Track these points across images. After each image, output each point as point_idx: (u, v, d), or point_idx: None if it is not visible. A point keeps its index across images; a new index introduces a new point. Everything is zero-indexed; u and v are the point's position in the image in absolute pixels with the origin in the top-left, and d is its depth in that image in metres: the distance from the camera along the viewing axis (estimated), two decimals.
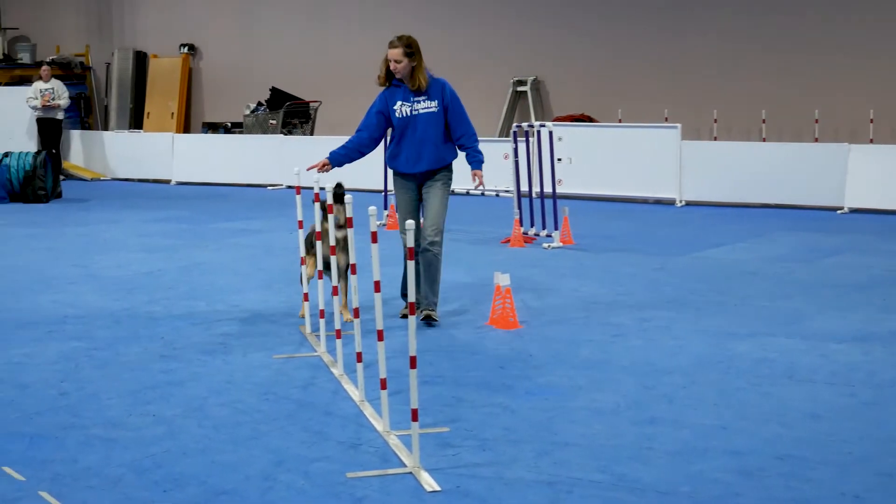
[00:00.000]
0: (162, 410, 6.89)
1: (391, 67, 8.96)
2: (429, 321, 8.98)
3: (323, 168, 8.97)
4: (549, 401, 6.99)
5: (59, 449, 6.13)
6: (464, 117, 9.09)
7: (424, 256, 8.98)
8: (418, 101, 8.99)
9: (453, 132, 9.09)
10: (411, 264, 5.77)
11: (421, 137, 8.99)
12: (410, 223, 5.72)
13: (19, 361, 8.11)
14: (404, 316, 9.08)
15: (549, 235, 13.83)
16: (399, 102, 9.01)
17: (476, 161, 9.08)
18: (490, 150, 16.95)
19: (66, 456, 6.02)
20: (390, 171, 9.49)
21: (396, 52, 8.90)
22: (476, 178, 9.07)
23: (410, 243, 5.76)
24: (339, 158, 9.09)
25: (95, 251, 13.51)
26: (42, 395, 7.26)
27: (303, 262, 8.86)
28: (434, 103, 9.00)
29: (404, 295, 9.25)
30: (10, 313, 9.79)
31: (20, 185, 19.07)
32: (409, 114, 8.99)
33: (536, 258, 12.72)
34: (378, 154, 17.00)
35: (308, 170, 8.73)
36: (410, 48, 8.93)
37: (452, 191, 9.42)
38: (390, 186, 15.15)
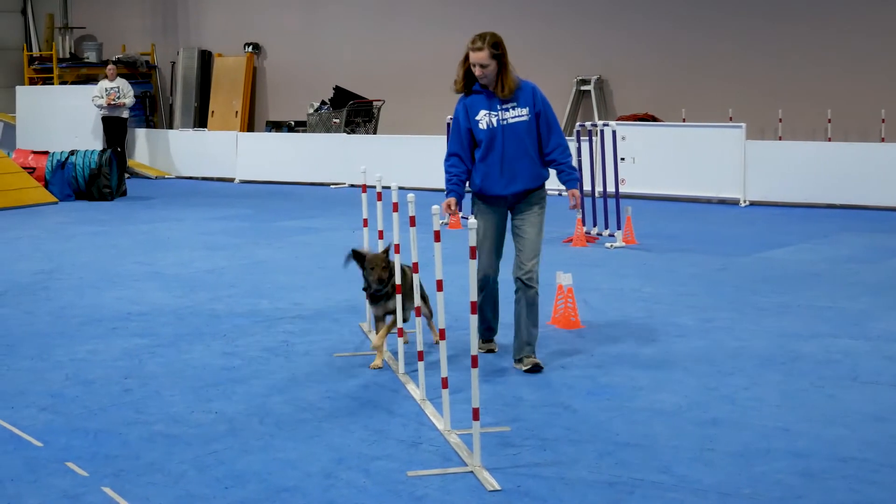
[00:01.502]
0: (224, 407, 6.94)
1: (476, 73, 7.61)
2: (536, 369, 7.65)
3: (454, 210, 7.74)
4: (611, 401, 6.95)
5: (123, 445, 6.20)
6: (556, 127, 7.76)
7: (526, 294, 7.72)
8: (506, 109, 7.66)
9: (544, 144, 7.73)
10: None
11: (513, 152, 7.67)
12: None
13: (84, 358, 8.21)
14: (490, 350, 8.17)
15: (611, 235, 13.76)
16: (483, 112, 7.67)
17: (572, 179, 7.77)
18: None
19: (129, 452, 6.08)
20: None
21: (482, 55, 7.54)
22: (573, 198, 7.80)
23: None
24: (460, 192, 7.77)
25: (159, 249, 13.64)
26: (106, 391, 7.33)
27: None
28: (525, 111, 7.66)
29: (486, 329, 8.13)
30: (75, 310, 9.91)
31: (86, 183, 19.28)
32: (496, 124, 7.65)
33: (599, 258, 12.66)
34: (436, 152, 17.04)
35: (445, 212, 7.66)
36: (497, 49, 7.58)
37: None
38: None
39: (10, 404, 6.96)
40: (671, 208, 17.70)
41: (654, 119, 21.04)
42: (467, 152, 7.77)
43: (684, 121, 20.68)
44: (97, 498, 5.39)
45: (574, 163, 8.05)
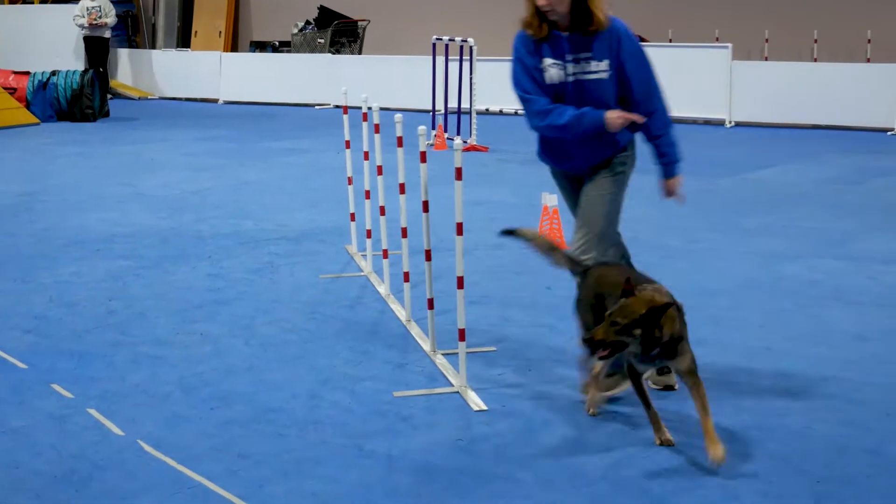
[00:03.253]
0: (209, 329, 6.93)
1: (539, 3, 5.47)
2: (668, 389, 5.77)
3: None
4: None
5: (107, 367, 6.19)
6: (652, 86, 5.66)
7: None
8: (579, 61, 5.54)
9: (635, 107, 5.65)
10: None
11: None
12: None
13: (67, 280, 8.18)
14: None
15: None
16: (549, 61, 5.58)
17: (672, 163, 5.89)
18: None
19: (114, 374, 6.08)
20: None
21: None
22: (671, 189, 5.99)
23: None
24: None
25: (143, 170, 13.56)
26: (90, 313, 7.32)
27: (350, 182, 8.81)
28: (603, 64, 5.54)
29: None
30: (58, 232, 9.86)
31: (68, 103, 19.12)
32: (565, 79, 5.59)
33: None
34: (421, 73, 16.94)
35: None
36: None
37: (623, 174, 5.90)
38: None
39: None
40: None
41: (640, 39, 20.89)
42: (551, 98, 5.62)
43: (671, 41, 20.56)
44: (83, 419, 5.40)
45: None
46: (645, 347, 4.80)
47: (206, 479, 4.69)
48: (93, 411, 5.48)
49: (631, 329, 4.74)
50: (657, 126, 5.77)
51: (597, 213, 5.67)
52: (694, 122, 18.28)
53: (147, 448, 5.03)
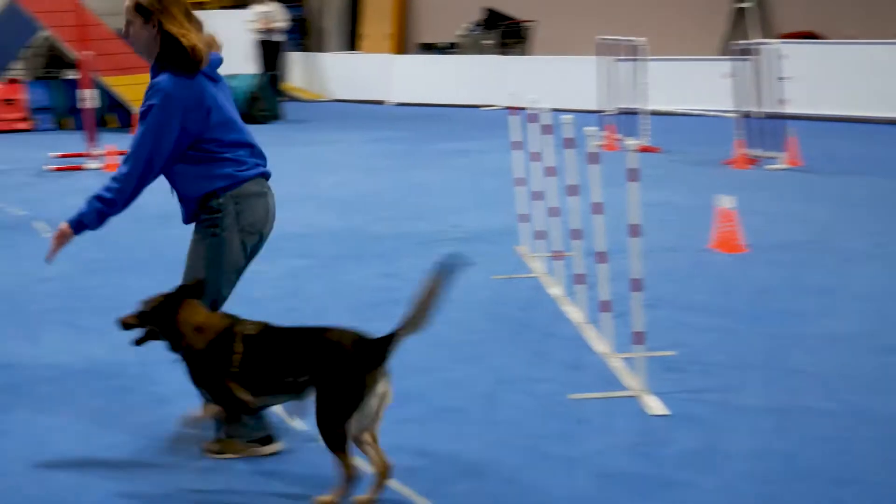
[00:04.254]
0: (384, 328, 6.97)
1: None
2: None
3: None
4: (778, 327, 6.81)
5: None
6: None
7: None
8: None
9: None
10: None
11: None
12: None
13: (248, 277, 8.28)
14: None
15: (773, 157, 13.43)
16: None
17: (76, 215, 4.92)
18: (710, 70, 16.55)
19: None
20: None
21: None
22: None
23: None
24: None
25: (317, 171, 13.78)
26: (269, 309, 7.43)
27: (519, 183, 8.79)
28: None
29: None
30: None
31: (245, 106, 19.55)
32: None
33: (761, 180, 12.38)
34: (588, 73, 16.83)
35: None
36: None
37: None
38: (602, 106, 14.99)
39: None
40: (837, 129, 17.15)
41: (815, 37, 20.40)
42: None
43: (850, 38, 19.99)
44: None
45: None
46: (168, 338, 4.70)
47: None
48: None
49: (151, 316, 4.72)
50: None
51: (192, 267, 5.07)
52: (880, 121, 17.71)
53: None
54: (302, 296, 7.76)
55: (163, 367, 6.24)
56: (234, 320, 4.76)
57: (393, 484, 4.64)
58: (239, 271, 5.03)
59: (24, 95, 19.06)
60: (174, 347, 4.71)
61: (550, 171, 7.57)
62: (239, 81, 19.72)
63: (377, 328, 6.90)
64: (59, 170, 14.05)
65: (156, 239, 9.78)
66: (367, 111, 21.88)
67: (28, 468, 4.89)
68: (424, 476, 4.74)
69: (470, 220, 10.34)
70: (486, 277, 8.19)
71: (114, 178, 4.78)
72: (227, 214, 4.83)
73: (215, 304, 4.95)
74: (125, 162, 4.77)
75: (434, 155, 15.10)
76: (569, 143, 6.72)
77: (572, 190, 6.82)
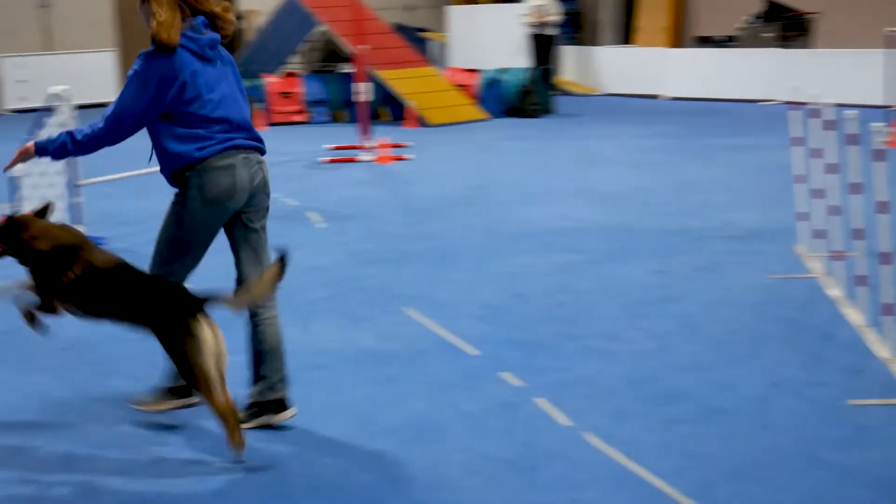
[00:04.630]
0: (655, 325, 6.87)
1: None
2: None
3: None
4: None
5: (556, 358, 6.26)
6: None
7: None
8: None
9: None
10: None
11: None
12: None
13: (517, 271, 8.36)
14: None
15: None
16: None
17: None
18: None
19: (562, 365, 6.13)
20: None
21: None
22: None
23: None
24: None
25: (587, 166, 13.70)
26: (539, 304, 7.44)
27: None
28: None
29: None
30: (507, 225, 10.11)
31: (516, 100, 19.66)
32: None
33: None
34: (876, 67, 16.10)
35: None
36: None
37: None
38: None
39: (447, 314, 7.20)
40: None
41: None
42: None
43: None
44: (531, 408, 5.48)
45: None
46: (16, 254, 5.16)
47: (653, 476, 4.64)
48: (541, 401, 5.55)
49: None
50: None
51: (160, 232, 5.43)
52: None
53: (593, 440, 5.04)
54: (571, 291, 7.70)
55: (429, 357, 6.32)
56: (84, 243, 5.20)
57: (658, 483, 4.54)
58: (206, 242, 5.36)
59: (300, 89, 19.70)
60: (22, 262, 5.16)
61: (832, 169, 7.27)
62: (511, 75, 19.84)
63: (650, 325, 6.84)
64: (332, 161, 14.46)
65: (425, 231, 9.92)
66: (640, 105, 21.62)
67: (293, 451, 5.02)
68: (691, 477, 4.62)
69: (745, 218, 10.05)
70: (761, 277, 7.94)
71: (90, 126, 5.22)
72: (191, 187, 5.19)
73: (170, 273, 5.37)
74: (102, 116, 5.19)
75: (709, 150, 14.78)
76: (852, 140, 6.43)
77: (855, 188, 6.52)
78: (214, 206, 5.24)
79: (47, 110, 9.25)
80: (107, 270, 5.12)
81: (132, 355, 6.45)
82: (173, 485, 4.71)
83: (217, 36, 5.28)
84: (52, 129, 9.23)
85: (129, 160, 14.09)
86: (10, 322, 7.11)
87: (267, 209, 5.56)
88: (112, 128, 5.18)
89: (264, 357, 5.47)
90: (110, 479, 4.80)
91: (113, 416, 5.55)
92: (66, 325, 6.65)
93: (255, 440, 5.11)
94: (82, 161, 9.68)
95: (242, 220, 5.41)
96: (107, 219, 10.49)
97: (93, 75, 22.81)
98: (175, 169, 5.22)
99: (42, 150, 5.29)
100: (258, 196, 5.43)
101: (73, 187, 9.55)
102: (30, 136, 8.92)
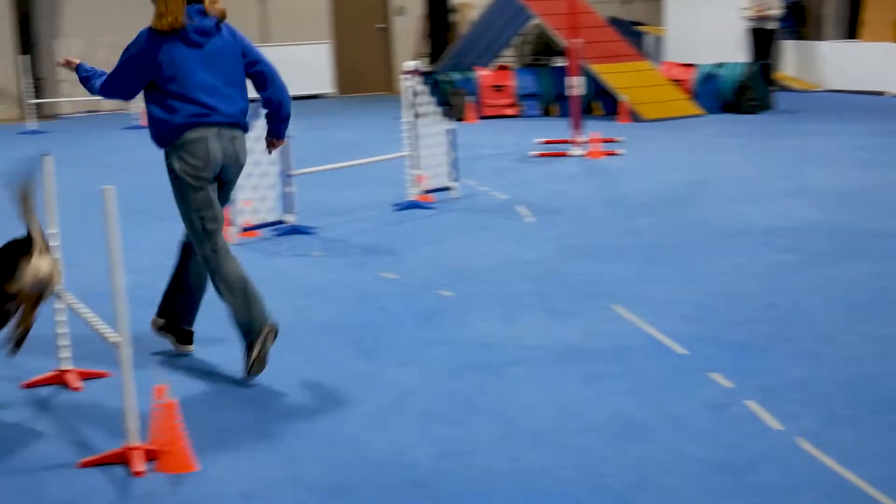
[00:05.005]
0: (874, 329, 6.57)
1: None
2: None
3: None
4: None
5: (767, 360, 6.05)
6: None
7: None
8: None
9: None
10: None
11: None
12: None
13: (729, 271, 8.13)
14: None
15: None
16: None
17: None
18: None
19: (774, 367, 5.92)
20: None
21: None
22: None
23: None
24: None
25: (807, 164, 13.26)
26: (751, 304, 7.21)
27: None
28: None
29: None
30: (719, 223, 9.86)
31: (733, 95, 19.23)
32: None
33: None
34: None
35: None
36: None
37: None
38: None
39: (655, 311, 7.05)
40: None
41: None
42: None
43: None
44: (741, 410, 5.30)
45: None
46: None
47: (869, 485, 4.41)
48: (751, 403, 5.36)
49: None
50: None
51: None
52: None
53: (805, 445, 4.84)
54: (785, 292, 7.45)
55: (636, 355, 6.20)
56: None
57: (874, 493, 4.32)
58: (208, 205, 5.97)
59: (512, 82, 19.71)
60: None
61: None
62: (727, 70, 19.40)
63: (868, 329, 6.55)
64: (542, 156, 14.39)
65: (634, 227, 9.77)
66: (864, 102, 20.85)
67: (496, 445, 4.98)
68: None
69: None
70: None
71: (106, 74, 6.16)
72: (173, 161, 5.93)
73: (207, 230, 5.98)
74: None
75: None
76: None
77: None
78: (197, 171, 5.89)
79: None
80: None
81: (394, 339, 6.57)
82: (400, 462, 4.73)
83: (207, 23, 5.96)
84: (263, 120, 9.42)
85: (339, 152, 14.36)
86: (221, 307, 7.31)
87: (236, 176, 6.19)
88: (105, 86, 6.12)
89: (194, 293, 6.38)
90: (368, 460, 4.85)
91: (370, 399, 5.60)
92: (319, 306, 6.79)
93: (452, 423, 5.10)
94: (295, 152, 9.89)
95: (219, 181, 6.05)
96: (316, 208, 10.68)
97: (308, 67, 23.40)
98: (156, 133, 5.96)
99: (79, 70, 6.22)
100: (231, 168, 6.05)
101: (285, 177, 9.73)
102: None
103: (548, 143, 15.16)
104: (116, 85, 6.07)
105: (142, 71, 5.93)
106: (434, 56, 25.24)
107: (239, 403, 5.62)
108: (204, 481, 4.65)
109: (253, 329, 5.91)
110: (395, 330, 6.85)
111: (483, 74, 19.82)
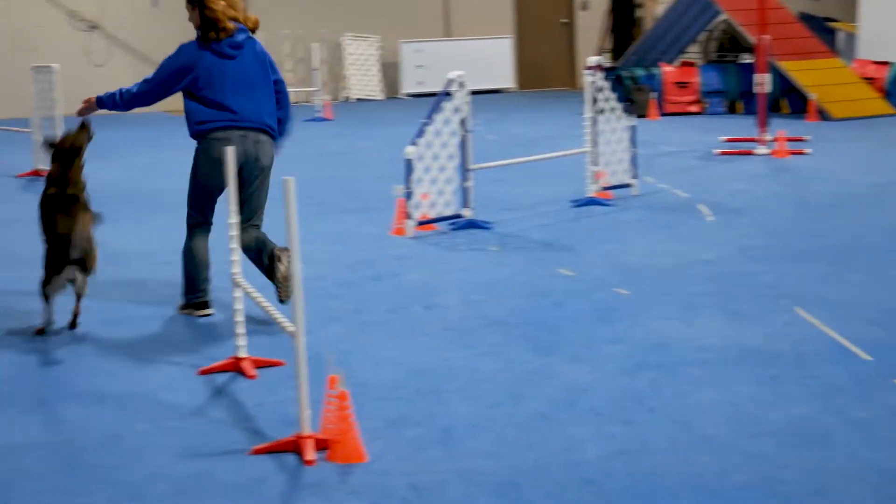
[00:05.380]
0: None
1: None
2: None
3: None
4: None
5: None
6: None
7: None
8: None
9: None
10: None
11: None
12: None
13: None
14: None
15: None
16: None
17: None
18: None
19: None
20: None
21: None
22: None
23: None
24: None
25: None
26: None
27: None
28: None
29: None
30: None
31: None
32: None
33: None
34: None
35: None
36: None
37: None
38: None
39: (839, 315, 6.81)
40: None
41: None
42: None
43: None
44: (882, 385, 5.08)
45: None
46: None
47: None
48: None
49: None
50: None
51: None
52: None
53: None
54: None
55: (817, 359, 6.00)
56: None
57: None
58: (218, 190, 7.01)
59: (696, 79, 19.40)
60: None
61: None
62: None
63: None
64: (726, 154, 14.10)
65: (819, 228, 9.50)
66: None
67: (668, 446, 4.87)
68: None
69: None
70: None
71: (134, 86, 7.03)
72: (199, 151, 7.00)
73: (194, 209, 7.16)
74: (143, 80, 7.04)
75: None
76: None
77: None
78: (214, 166, 6.78)
79: (446, 95, 9.48)
80: None
81: (568, 336, 6.53)
82: (569, 459, 4.68)
83: (239, 37, 6.94)
84: (447, 114, 9.48)
85: (518, 146, 14.35)
86: (396, 300, 7.37)
87: (258, 175, 7.00)
88: (144, 94, 7.00)
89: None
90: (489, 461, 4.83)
91: (542, 395, 5.59)
92: (494, 301, 6.81)
93: (624, 423, 5.02)
94: (474, 146, 9.91)
95: (241, 178, 6.82)
96: (493, 203, 10.68)
97: (490, 61, 23.46)
98: (190, 130, 6.97)
99: (100, 102, 7.09)
100: (250, 167, 6.93)
101: (464, 171, 9.75)
102: (427, 121, 9.22)
103: (732, 141, 14.87)
104: (154, 94, 7.00)
105: (179, 81, 6.92)
106: (617, 51, 25.04)
107: (410, 395, 5.63)
108: (372, 472, 4.67)
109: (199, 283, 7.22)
110: (570, 326, 6.79)
111: (667, 71, 19.57)
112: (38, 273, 6.84)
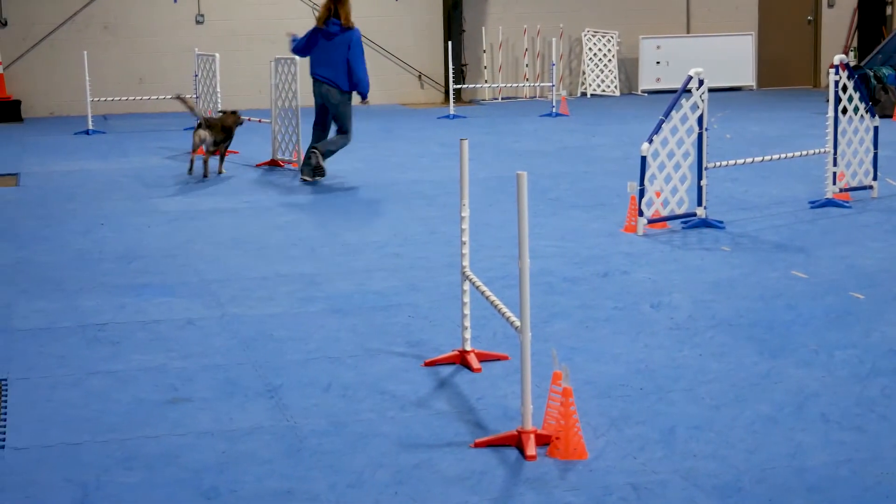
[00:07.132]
0: None
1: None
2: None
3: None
4: None
5: None
6: None
7: None
8: None
9: None
10: None
11: None
12: None
13: None
14: None
15: None
16: None
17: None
18: None
19: None
20: None
21: None
22: None
23: None
24: None
25: None
26: None
27: None
28: None
29: None
30: None
31: None
32: None
33: None
34: None
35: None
36: None
37: None
38: None
39: None
40: None
41: None
42: None
43: None
44: None
45: None
46: None
47: None
48: None
49: None
50: None
51: None
52: None
53: None
54: None
55: None
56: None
57: None
58: (320, 114, 12.63)
59: None
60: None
61: None
62: None
63: None
64: None
65: None
66: None
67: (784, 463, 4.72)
68: None
69: None
70: None
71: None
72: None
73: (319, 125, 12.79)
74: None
75: None
76: None
77: None
78: (315, 98, 12.45)
79: (687, 92, 9.36)
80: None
81: (799, 339, 6.39)
82: (795, 465, 4.59)
83: (333, 27, 12.05)
84: (684, 112, 9.37)
85: (755, 145, 14.03)
86: (623, 298, 7.34)
87: (333, 109, 12.32)
88: (294, 48, 12.58)
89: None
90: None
91: (770, 399, 5.52)
92: (723, 301, 6.73)
93: (853, 430, 4.87)
94: (709, 144, 9.75)
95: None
96: (726, 203, 10.50)
97: (730, 58, 23.01)
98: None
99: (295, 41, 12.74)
100: (327, 102, 12.26)
101: (699, 170, 9.61)
102: (664, 118, 9.14)
103: None
104: (299, 49, 12.51)
105: (310, 44, 12.31)
106: (863, 50, 24.18)
107: (633, 394, 5.60)
108: (592, 470, 4.67)
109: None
110: (802, 330, 6.62)
111: None
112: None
